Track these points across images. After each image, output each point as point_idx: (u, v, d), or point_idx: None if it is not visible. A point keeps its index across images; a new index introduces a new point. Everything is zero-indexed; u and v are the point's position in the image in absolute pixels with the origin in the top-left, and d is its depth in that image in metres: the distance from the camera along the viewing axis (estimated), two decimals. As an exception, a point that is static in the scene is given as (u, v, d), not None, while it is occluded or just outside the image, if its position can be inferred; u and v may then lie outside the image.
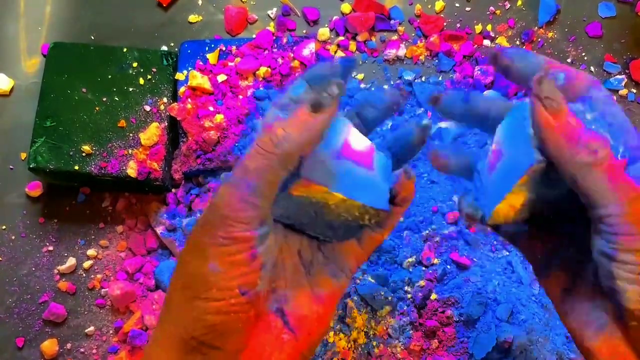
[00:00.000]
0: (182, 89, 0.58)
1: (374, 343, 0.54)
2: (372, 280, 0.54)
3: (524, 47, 0.62)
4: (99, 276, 0.57)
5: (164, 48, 0.62)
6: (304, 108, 0.30)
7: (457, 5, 0.64)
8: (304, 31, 0.63)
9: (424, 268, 0.55)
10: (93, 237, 0.59)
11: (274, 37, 0.61)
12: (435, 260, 0.55)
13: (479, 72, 0.60)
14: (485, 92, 0.59)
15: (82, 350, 0.56)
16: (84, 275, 0.58)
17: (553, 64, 0.32)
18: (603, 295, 0.30)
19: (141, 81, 0.58)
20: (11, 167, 0.60)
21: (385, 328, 0.54)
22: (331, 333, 0.54)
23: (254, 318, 0.31)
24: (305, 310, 0.32)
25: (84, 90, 0.57)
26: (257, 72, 0.59)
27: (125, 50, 0.58)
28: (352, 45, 0.62)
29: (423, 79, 0.62)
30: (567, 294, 0.33)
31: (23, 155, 0.60)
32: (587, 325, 0.31)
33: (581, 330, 0.31)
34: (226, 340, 0.30)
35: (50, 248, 0.58)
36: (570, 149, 0.29)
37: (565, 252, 0.34)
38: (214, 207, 0.30)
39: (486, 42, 0.63)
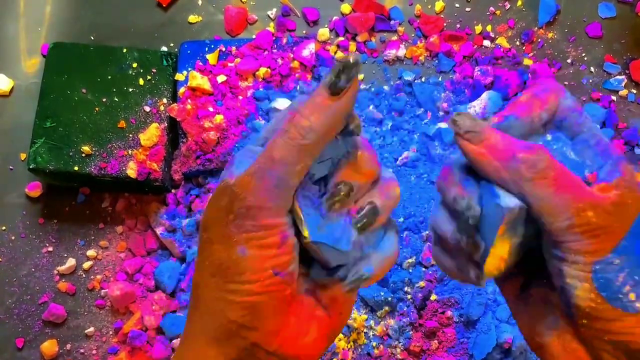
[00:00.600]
0: (181, 90, 0.58)
1: (374, 344, 0.54)
2: None
3: (524, 47, 0.62)
4: (98, 277, 0.57)
5: (164, 48, 0.62)
6: (323, 93, 0.29)
7: (457, 5, 0.64)
8: (304, 32, 0.63)
9: (423, 269, 0.55)
10: (93, 237, 0.59)
11: (274, 38, 0.61)
12: (435, 261, 0.55)
13: (479, 73, 0.60)
14: (484, 94, 0.59)
15: (81, 350, 0.56)
16: (84, 275, 0.58)
17: (513, 105, 0.32)
18: (556, 294, 0.31)
19: (141, 82, 0.58)
20: (11, 167, 0.60)
21: (385, 329, 0.54)
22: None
23: (289, 297, 0.31)
24: (336, 292, 0.32)
25: (83, 90, 0.57)
26: (257, 73, 0.59)
27: (125, 50, 0.58)
28: (352, 46, 0.62)
29: (423, 79, 0.62)
30: (521, 292, 0.33)
31: (23, 156, 0.60)
32: (540, 322, 0.32)
33: (533, 327, 0.32)
34: (264, 320, 0.30)
35: (50, 249, 0.58)
36: (509, 169, 0.29)
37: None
38: (236, 197, 0.30)
39: (486, 43, 0.63)
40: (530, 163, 0.29)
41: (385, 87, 0.61)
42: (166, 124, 0.57)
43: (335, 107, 0.29)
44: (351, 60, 0.29)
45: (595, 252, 0.29)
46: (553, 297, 0.31)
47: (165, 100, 0.57)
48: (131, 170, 0.55)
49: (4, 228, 0.59)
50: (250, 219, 0.29)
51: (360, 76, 0.61)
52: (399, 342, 0.54)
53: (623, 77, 0.61)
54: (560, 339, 0.31)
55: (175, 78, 0.58)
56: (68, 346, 0.56)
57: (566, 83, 0.61)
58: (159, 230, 0.57)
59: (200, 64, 0.59)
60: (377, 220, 0.32)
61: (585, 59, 0.62)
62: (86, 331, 0.56)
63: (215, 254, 0.31)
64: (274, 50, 0.60)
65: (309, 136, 0.29)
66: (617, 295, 0.29)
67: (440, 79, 0.61)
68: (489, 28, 0.63)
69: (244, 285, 0.30)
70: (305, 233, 0.31)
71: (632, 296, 0.29)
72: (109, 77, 0.57)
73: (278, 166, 0.29)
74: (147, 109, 0.57)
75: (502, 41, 0.62)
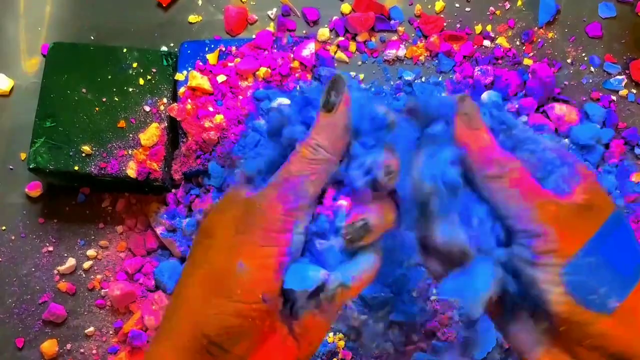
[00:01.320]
0: (182, 90, 0.58)
1: (374, 344, 0.53)
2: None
3: (524, 47, 0.62)
4: (98, 276, 0.57)
5: (164, 48, 0.62)
6: (321, 114, 0.32)
7: (457, 5, 0.64)
8: (304, 31, 0.63)
9: (424, 268, 0.55)
10: (93, 237, 0.59)
11: (274, 38, 0.61)
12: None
13: (479, 73, 0.60)
14: (484, 94, 0.59)
15: (82, 350, 0.56)
16: (84, 275, 0.58)
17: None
18: (539, 310, 0.31)
19: (141, 81, 0.58)
20: (11, 167, 0.60)
21: (384, 328, 0.54)
22: (330, 334, 0.54)
23: (267, 328, 0.31)
24: (308, 321, 0.33)
25: (83, 90, 0.57)
26: (257, 73, 0.59)
27: (125, 50, 0.58)
28: (352, 46, 0.62)
29: (423, 79, 0.62)
30: (506, 313, 0.33)
31: (23, 156, 0.60)
32: (527, 340, 0.32)
33: (522, 345, 0.32)
34: (237, 344, 0.30)
35: (50, 248, 0.58)
36: (483, 163, 0.31)
37: None
38: (253, 207, 0.31)
39: (486, 43, 0.63)
40: (502, 163, 0.31)
41: (385, 87, 0.61)
42: (166, 124, 0.57)
43: (332, 120, 0.32)
44: (338, 77, 0.32)
45: (563, 250, 0.29)
46: (536, 313, 0.31)
47: (165, 100, 0.57)
48: (131, 170, 0.55)
49: (4, 228, 0.59)
50: (260, 227, 0.30)
51: (361, 76, 0.62)
52: (399, 342, 0.53)
53: (623, 77, 0.61)
54: (549, 354, 0.31)
55: (175, 78, 0.58)
56: (68, 346, 0.56)
57: (566, 83, 0.61)
58: (159, 230, 0.57)
59: (200, 63, 0.59)
60: (365, 238, 0.32)
61: (585, 58, 0.62)
62: (86, 331, 0.56)
63: (213, 263, 0.31)
64: (274, 50, 0.60)
65: (318, 149, 0.31)
66: (590, 297, 0.29)
67: (440, 79, 0.61)
68: (489, 28, 0.63)
69: (231, 303, 0.30)
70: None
71: (605, 298, 0.29)
72: (109, 77, 0.57)
73: (294, 177, 0.31)
74: (147, 108, 0.57)
75: (502, 41, 0.62)
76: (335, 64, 0.62)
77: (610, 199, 0.31)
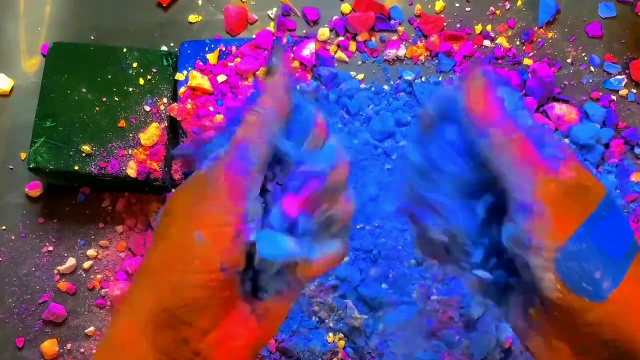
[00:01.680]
0: (182, 89, 0.58)
1: (374, 343, 0.54)
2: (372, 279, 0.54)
3: (524, 47, 0.62)
4: (98, 276, 0.57)
5: (164, 48, 0.62)
6: (263, 79, 0.33)
7: (457, 5, 0.64)
8: (304, 31, 0.63)
9: (424, 268, 0.55)
10: (93, 237, 0.59)
11: (274, 38, 0.61)
12: (435, 261, 0.55)
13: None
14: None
15: (82, 350, 0.56)
16: (84, 275, 0.58)
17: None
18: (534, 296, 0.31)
19: (141, 81, 0.58)
20: (11, 167, 0.60)
21: (384, 328, 0.54)
22: (330, 333, 0.54)
23: (228, 300, 0.31)
24: (270, 303, 0.33)
25: (83, 90, 0.57)
26: (257, 73, 0.59)
27: (125, 50, 0.58)
28: (352, 45, 0.62)
29: (423, 79, 0.62)
30: (500, 293, 0.33)
31: (23, 155, 0.60)
32: (523, 323, 0.32)
33: (519, 329, 0.32)
34: (199, 317, 0.30)
35: (50, 248, 0.58)
36: (487, 128, 0.31)
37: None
38: (206, 181, 0.31)
39: (486, 42, 0.63)
40: (509, 130, 0.30)
41: (385, 87, 0.61)
42: (166, 124, 0.57)
43: (273, 82, 0.33)
44: (275, 45, 0.33)
45: (556, 233, 0.28)
46: (530, 296, 0.31)
47: (165, 100, 0.57)
48: (131, 170, 0.55)
49: (4, 228, 0.59)
50: (214, 195, 0.30)
51: (361, 76, 0.61)
52: (399, 342, 0.53)
53: (623, 76, 0.61)
54: (545, 340, 0.31)
55: (176, 78, 0.58)
56: (68, 346, 0.56)
57: (566, 83, 0.61)
58: (159, 230, 0.57)
59: (201, 63, 0.59)
60: (331, 226, 0.33)
61: (585, 58, 0.62)
62: (86, 331, 0.56)
63: (172, 237, 0.31)
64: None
65: (261, 111, 0.32)
66: (581, 284, 0.28)
67: (440, 79, 0.61)
68: (489, 28, 0.63)
69: (189, 274, 0.30)
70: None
71: (598, 284, 0.28)
72: (109, 77, 0.57)
73: (241, 143, 0.31)
74: (147, 108, 0.57)
75: (502, 41, 0.62)
76: (335, 64, 0.62)
77: (598, 180, 0.31)
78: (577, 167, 0.30)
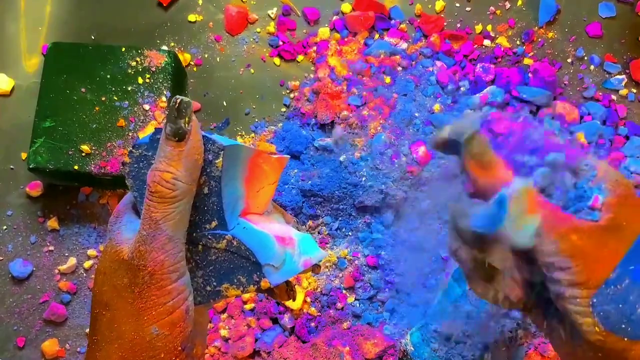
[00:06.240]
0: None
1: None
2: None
3: (524, 47, 0.62)
4: (99, 276, 0.58)
5: (164, 48, 0.62)
6: (171, 144, 0.30)
7: (457, 5, 0.64)
8: (304, 31, 0.63)
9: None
10: (93, 236, 0.59)
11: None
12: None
13: (480, 70, 0.60)
14: (486, 89, 0.59)
15: (82, 350, 0.56)
16: (85, 275, 0.58)
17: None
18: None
19: (140, 81, 0.58)
20: (11, 166, 0.60)
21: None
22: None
23: None
24: (199, 350, 0.34)
25: (83, 90, 0.57)
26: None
27: (124, 49, 0.58)
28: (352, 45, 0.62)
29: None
30: (547, 322, 0.33)
31: (23, 155, 0.60)
32: (566, 349, 0.32)
33: (563, 353, 0.32)
34: None
35: (51, 248, 0.58)
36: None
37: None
38: (136, 269, 0.30)
39: (486, 42, 0.62)
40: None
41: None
42: (166, 124, 0.57)
43: (186, 150, 0.30)
44: (183, 100, 0.30)
45: (588, 281, 0.28)
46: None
47: (164, 99, 0.57)
48: (131, 170, 0.55)
49: (4, 228, 0.59)
50: (155, 287, 0.30)
51: (360, 76, 0.62)
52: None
53: (623, 76, 0.61)
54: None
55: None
56: (68, 345, 0.56)
57: (566, 83, 0.61)
58: (159, 230, 0.57)
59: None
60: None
61: (585, 58, 0.62)
62: (87, 330, 0.56)
63: (124, 335, 0.31)
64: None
65: (178, 185, 0.30)
66: (621, 325, 0.28)
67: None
68: (489, 27, 0.63)
69: None
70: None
71: (637, 324, 0.28)
72: (108, 77, 0.57)
73: (162, 225, 0.30)
74: (147, 107, 0.57)
75: (502, 40, 0.62)
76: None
77: (637, 213, 0.29)
78: (620, 203, 0.29)
